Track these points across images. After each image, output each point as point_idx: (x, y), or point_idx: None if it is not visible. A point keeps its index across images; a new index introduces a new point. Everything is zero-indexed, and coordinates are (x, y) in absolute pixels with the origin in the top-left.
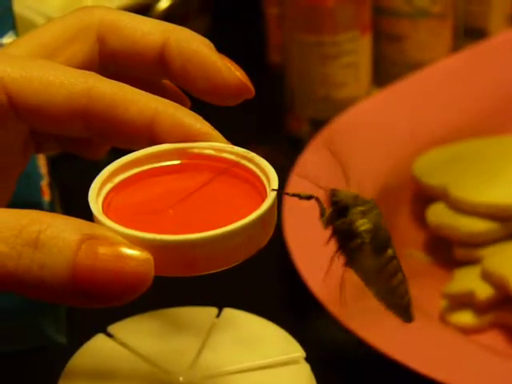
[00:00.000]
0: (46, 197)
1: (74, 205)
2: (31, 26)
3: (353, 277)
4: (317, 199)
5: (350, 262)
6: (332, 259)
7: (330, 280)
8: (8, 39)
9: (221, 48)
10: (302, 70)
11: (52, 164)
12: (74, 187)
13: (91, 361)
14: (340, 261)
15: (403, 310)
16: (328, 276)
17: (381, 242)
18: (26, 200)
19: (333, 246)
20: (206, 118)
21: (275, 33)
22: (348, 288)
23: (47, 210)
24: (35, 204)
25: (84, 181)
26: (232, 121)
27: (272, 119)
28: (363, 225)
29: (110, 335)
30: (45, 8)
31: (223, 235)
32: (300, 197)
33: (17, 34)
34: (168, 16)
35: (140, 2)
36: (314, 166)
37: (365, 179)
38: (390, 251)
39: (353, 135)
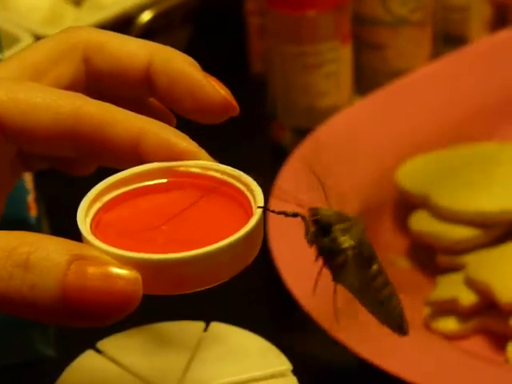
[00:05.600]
0: (33, 212)
1: (60, 219)
2: (14, 40)
3: (340, 289)
4: (302, 217)
5: (337, 278)
6: (319, 274)
7: (318, 293)
8: None
9: (203, 58)
10: (284, 79)
11: (38, 178)
12: (60, 201)
13: (81, 377)
14: (328, 276)
15: (396, 324)
16: (316, 290)
17: (365, 257)
18: (12, 216)
19: (318, 262)
20: (190, 128)
21: (257, 42)
22: (336, 299)
23: (34, 226)
24: (22, 219)
25: (70, 194)
26: (214, 130)
27: (255, 128)
28: (346, 242)
29: (99, 351)
30: (28, 23)
31: (210, 254)
32: (286, 214)
33: (1, 50)
34: (150, 28)
35: (122, 14)
36: (296, 181)
37: (347, 187)
38: (375, 266)
39: (335, 143)
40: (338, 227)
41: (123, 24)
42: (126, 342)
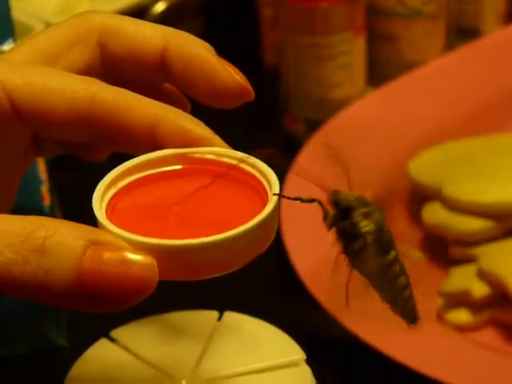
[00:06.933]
0: (46, 202)
1: (73, 209)
2: (28, 30)
3: (353, 279)
4: (319, 202)
5: (354, 263)
6: (336, 261)
7: (330, 282)
8: (7, 46)
9: (216, 49)
10: (297, 71)
11: (51, 169)
12: (73, 192)
13: (95, 366)
14: (344, 262)
15: (408, 314)
16: (330, 278)
17: (384, 243)
18: (26, 205)
19: (335, 247)
20: (203, 118)
21: (270, 34)
22: (349, 287)
23: (48, 215)
24: (35, 209)
25: (83, 185)
26: (227, 121)
27: (268, 119)
28: (367, 226)
29: (113, 340)
30: (42, 13)
31: (225, 240)
32: (302, 200)
33: (15, 40)
34: (164, 18)
35: (136, 5)
36: (312, 166)
37: (360, 179)
38: (392, 253)
39: (348, 135)
40: (359, 211)
41: (136, 15)
42: (139, 331)
